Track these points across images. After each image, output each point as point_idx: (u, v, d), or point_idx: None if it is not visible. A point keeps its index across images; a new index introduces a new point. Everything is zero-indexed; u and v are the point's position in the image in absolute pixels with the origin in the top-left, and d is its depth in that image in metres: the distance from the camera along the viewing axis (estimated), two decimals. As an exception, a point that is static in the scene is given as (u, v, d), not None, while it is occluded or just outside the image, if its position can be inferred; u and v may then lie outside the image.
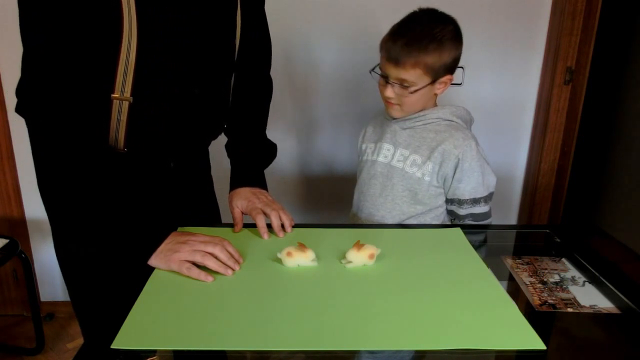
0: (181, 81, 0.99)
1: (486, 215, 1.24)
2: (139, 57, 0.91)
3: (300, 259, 0.93)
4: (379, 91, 1.22)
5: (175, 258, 0.89)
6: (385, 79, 1.17)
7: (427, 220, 1.25)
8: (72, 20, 0.85)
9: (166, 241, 0.92)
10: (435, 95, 1.22)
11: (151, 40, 0.92)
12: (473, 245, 1.03)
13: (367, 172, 1.30)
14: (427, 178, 1.21)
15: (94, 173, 0.92)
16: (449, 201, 1.24)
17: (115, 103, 0.93)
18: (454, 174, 1.19)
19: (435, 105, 1.24)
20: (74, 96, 0.90)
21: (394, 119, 1.24)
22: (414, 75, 1.13)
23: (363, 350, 0.73)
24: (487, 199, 1.23)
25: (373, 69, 1.21)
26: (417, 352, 0.73)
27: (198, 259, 0.89)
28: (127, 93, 0.93)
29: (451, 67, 1.17)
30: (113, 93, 0.93)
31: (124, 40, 0.89)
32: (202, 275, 0.88)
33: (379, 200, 1.27)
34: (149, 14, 0.90)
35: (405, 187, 1.23)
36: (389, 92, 1.17)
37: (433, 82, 1.16)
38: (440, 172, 1.20)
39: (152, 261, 0.91)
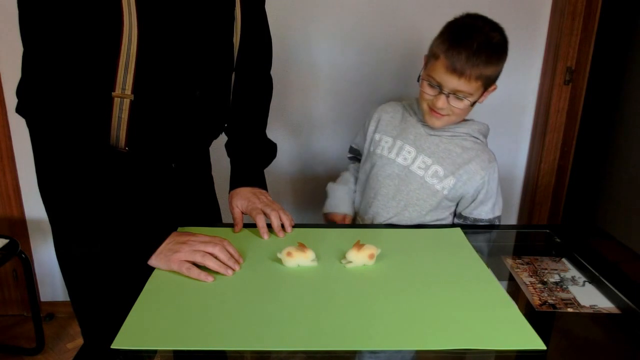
0: (182, 82, 0.99)
1: None
2: (140, 57, 0.91)
3: (300, 259, 0.93)
4: (422, 98, 1.15)
5: (176, 258, 0.89)
6: (439, 88, 1.10)
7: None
8: (72, 19, 0.85)
9: (166, 241, 0.92)
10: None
11: (152, 41, 0.92)
12: (473, 245, 1.03)
13: (382, 169, 1.25)
14: (445, 192, 1.20)
15: (94, 173, 0.92)
16: (462, 217, 1.23)
17: (117, 101, 0.93)
18: (477, 195, 1.19)
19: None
20: (74, 95, 0.90)
21: (433, 128, 1.19)
22: (474, 87, 1.09)
23: (363, 350, 0.73)
24: (499, 219, 1.24)
25: (419, 77, 1.15)
26: (417, 352, 0.73)
27: (198, 259, 0.89)
28: (128, 91, 0.93)
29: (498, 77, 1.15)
30: (114, 91, 0.93)
31: (124, 39, 0.89)
32: (202, 275, 0.88)
33: (391, 202, 1.23)
34: (149, 15, 0.90)
35: (419, 197, 1.21)
36: (442, 102, 1.10)
37: (483, 92, 1.13)
38: (460, 190, 1.19)
39: (152, 261, 0.91)
